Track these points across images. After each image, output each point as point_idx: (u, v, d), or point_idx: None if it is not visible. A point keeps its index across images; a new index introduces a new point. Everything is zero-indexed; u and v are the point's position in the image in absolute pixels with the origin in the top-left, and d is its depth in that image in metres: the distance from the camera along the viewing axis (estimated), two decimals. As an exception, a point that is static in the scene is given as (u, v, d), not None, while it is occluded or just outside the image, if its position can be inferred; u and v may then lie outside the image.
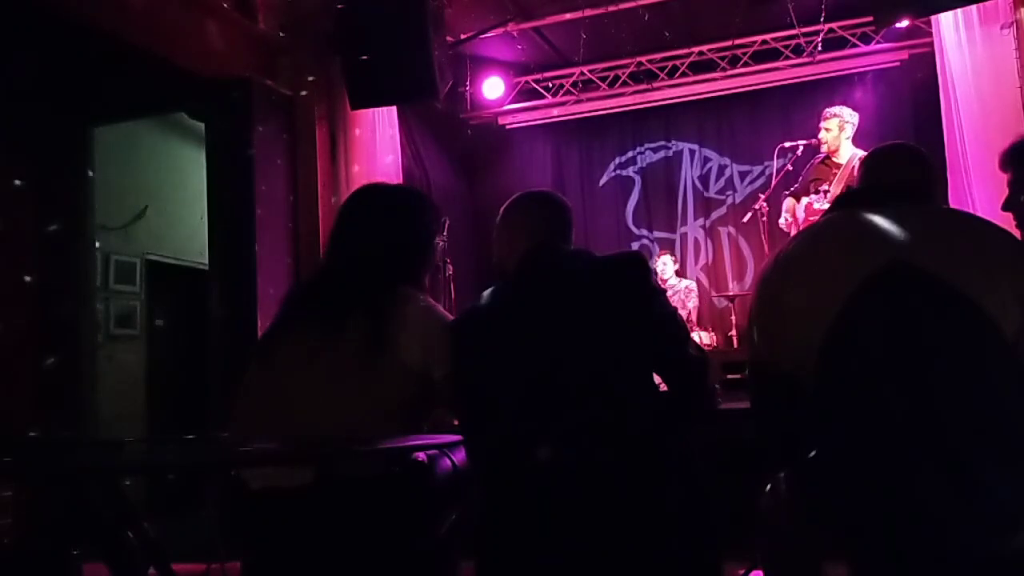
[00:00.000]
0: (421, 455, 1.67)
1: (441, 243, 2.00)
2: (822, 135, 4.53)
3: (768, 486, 1.64)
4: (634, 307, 1.57)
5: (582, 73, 6.29)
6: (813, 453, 1.40)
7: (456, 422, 1.82)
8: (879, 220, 1.47)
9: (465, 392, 1.67)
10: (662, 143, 6.81)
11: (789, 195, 4.78)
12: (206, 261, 4.41)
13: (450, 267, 4.94)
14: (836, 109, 4.55)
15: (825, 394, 1.37)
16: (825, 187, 4.43)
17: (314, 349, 1.68)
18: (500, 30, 5.49)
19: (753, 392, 1.62)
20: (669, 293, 5.85)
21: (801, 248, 1.52)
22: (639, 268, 1.61)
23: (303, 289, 1.97)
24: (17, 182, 3.94)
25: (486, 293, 1.71)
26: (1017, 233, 1.74)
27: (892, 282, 1.34)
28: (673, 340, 1.60)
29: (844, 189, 4.25)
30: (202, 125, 4.50)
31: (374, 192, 1.93)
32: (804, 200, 4.57)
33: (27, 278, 3.95)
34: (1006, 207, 1.77)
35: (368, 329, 1.66)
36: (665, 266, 5.98)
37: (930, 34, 4.78)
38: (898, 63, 5.73)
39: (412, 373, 1.67)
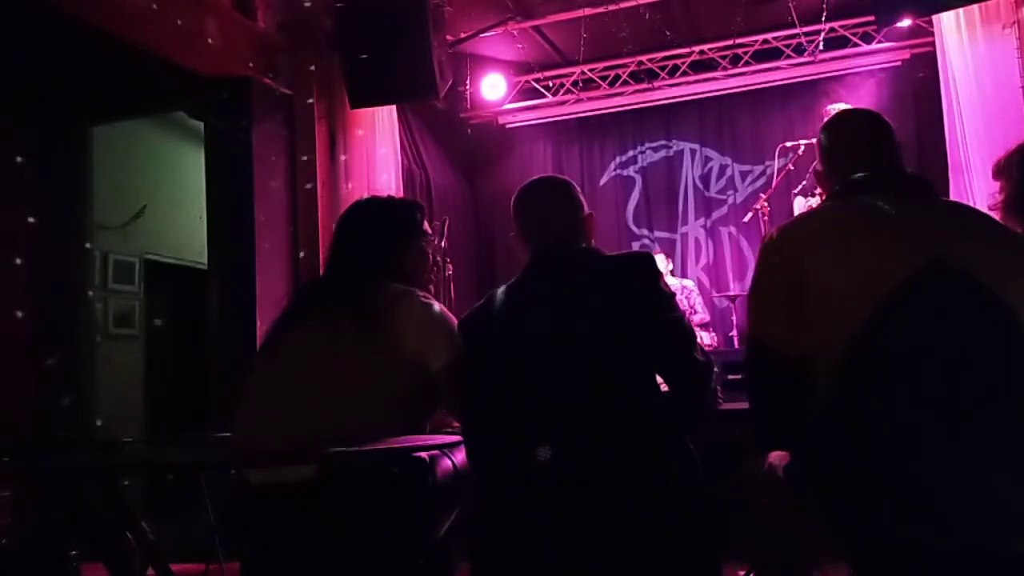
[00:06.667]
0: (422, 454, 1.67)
1: (435, 243, 2.07)
2: None
3: (758, 478, 1.61)
4: (640, 309, 1.56)
5: (583, 72, 6.28)
6: (825, 444, 1.36)
7: (456, 423, 1.82)
8: (911, 212, 1.44)
9: (467, 390, 1.66)
10: (663, 143, 6.80)
11: (799, 194, 4.77)
12: (205, 261, 4.40)
13: (450, 267, 4.93)
14: (840, 106, 4.54)
15: (851, 386, 1.33)
16: None
17: (315, 344, 1.71)
18: (500, 29, 5.47)
19: (752, 369, 1.54)
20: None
21: (828, 229, 1.46)
22: (648, 270, 1.60)
23: (304, 290, 2.03)
24: (16, 181, 3.93)
25: (495, 292, 1.71)
26: None
27: (933, 283, 1.32)
28: (680, 344, 1.58)
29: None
30: (201, 124, 4.49)
31: (361, 204, 2.05)
32: (812, 198, 4.56)
33: (25, 277, 3.94)
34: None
35: (366, 322, 1.69)
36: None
37: (932, 33, 4.76)
38: (900, 62, 5.72)
39: (410, 365, 1.70)
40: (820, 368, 1.37)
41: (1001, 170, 1.97)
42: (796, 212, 4.72)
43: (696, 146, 6.71)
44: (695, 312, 5.84)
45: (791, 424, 1.47)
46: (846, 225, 1.46)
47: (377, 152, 4.72)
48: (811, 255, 1.43)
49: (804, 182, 4.74)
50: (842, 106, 4.54)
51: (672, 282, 5.89)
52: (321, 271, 4.29)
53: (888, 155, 1.58)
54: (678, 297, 5.69)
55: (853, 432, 1.32)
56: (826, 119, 1.71)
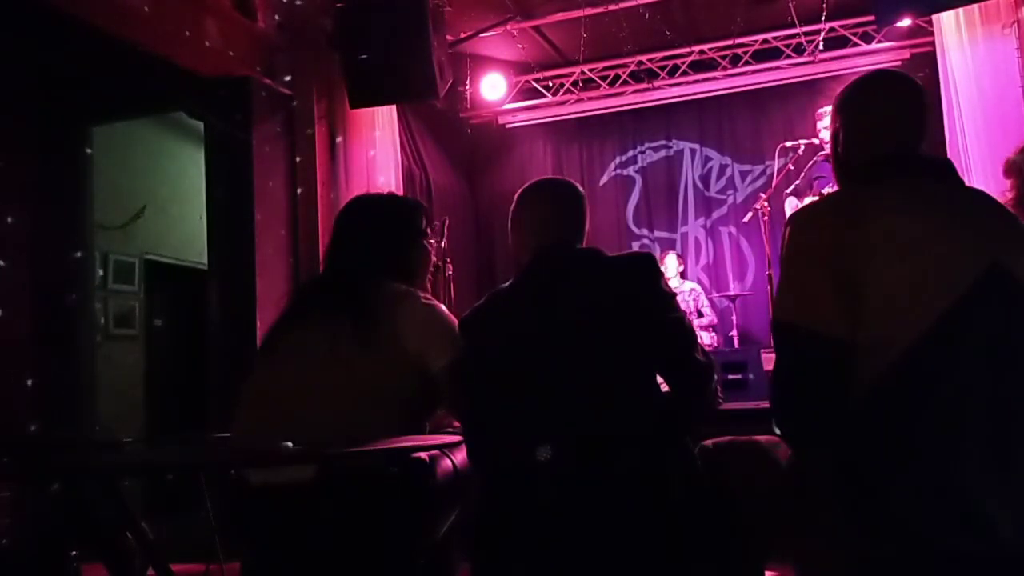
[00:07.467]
0: (422, 454, 1.67)
1: (435, 243, 2.06)
2: (823, 134, 4.51)
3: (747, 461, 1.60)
4: (641, 309, 1.56)
5: (582, 72, 6.28)
6: (867, 444, 1.31)
7: (456, 423, 1.82)
8: (959, 201, 1.40)
9: (468, 390, 1.66)
10: (663, 142, 6.80)
11: (791, 194, 4.77)
12: (205, 261, 4.40)
13: (450, 267, 4.93)
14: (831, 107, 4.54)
15: (908, 388, 1.28)
16: (828, 189, 4.41)
17: (314, 344, 1.71)
18: (500, 29, 5.48)
19: (787, 351, 1.41)
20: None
21: (882, 213, 1.34)
22: (648, 270, 1.59)
23: (303, 290, 2.02)
24: (16, 181, 3.93)
25: (495, 292, 1.71)
26: None
27: (997, 291, 1.29)
28: (680, 344, 1.58)
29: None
30: (201, 124, 4.50)
31: (364, 201, 2.04)
32: (807, 199, 4.56)
33: (26, 278, 3.94)
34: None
35: (366, 322, 1.69)
36: (667, 267, 5.94)
37: (932, 33, 4.77)
38: (899, 62, 5.72)
39: (411, 366, 1.69)
40: (867, 362, 1.30)
41: (1012, 167, 1.96)
42: (788, 213, 4.70)
43: (696, 146, 6.71)
44: (701, 315, 5.83)
45: (821, 416, 1.37)
46: (902, 211, 1.35)
47: (377, 152, 4.72)
48: (866, 241, 1.32)
49: (797, 182, 4.74)
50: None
51: (677, 284, 5.89)
52: (321, 268, 4.32)
53: (923, 131, 1.47)
54: (685, 300, 5.75)
55: (903, 435, 1.27)
56: (859, 76, 1.54)
